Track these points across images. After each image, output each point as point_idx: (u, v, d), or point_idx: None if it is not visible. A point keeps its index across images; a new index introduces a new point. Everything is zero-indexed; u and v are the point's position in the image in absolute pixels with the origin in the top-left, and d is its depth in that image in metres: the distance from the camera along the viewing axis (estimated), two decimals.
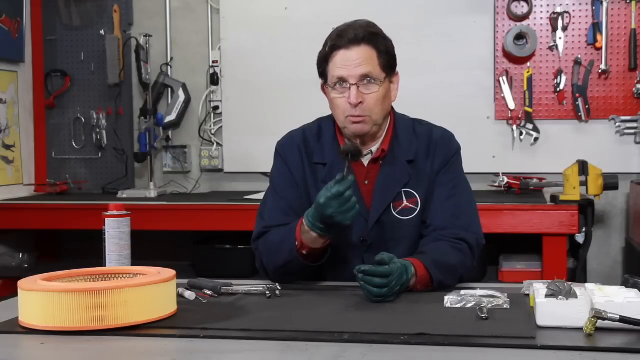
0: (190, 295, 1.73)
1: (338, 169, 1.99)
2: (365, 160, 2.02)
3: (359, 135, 1.98)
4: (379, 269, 1.67)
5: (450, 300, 1.61)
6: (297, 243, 1.88)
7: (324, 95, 2.03)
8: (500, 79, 3.64)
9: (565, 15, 3.59)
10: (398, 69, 2.02)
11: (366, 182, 2.01)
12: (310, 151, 2.06)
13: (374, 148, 2.02)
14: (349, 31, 1.93)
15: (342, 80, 1.92)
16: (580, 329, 1.38)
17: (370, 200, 1.99)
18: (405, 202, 1.98)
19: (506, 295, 1.62)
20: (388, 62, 1.96)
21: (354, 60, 1.91)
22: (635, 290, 1.50)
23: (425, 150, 2.02)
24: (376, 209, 1.98)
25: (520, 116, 3.64)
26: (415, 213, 1.99)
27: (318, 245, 1.88)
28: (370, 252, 1.94)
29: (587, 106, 3.57)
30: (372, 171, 2.01)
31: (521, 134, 3.64)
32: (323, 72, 1.99)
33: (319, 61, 1.99)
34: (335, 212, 1.78)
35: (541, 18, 3.63)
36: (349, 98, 1.91)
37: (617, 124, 3.57)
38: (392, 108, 2.07)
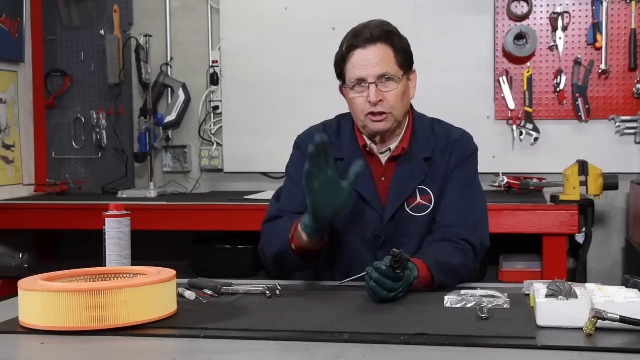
0: (190, 295, 1.73)
1: None
2: (383, 158, 2.03)
3: (379, 133, 1.98)
4: (393, 273, 1.64)
5: (450, 300, 1.61)
6: (290, 235, 1.86)
7: (342, 97, 2.04)
8: (500, 79, 3.64)
9: (565, 15, 3.59)
10: None
11: (383, 179, 2.02)
12: None
13: (393, 146, 2.02)
14: (364, 31, 1.94)
15: (360, 80, 1.93)
16: (580, 329, 1.38)
17: (385, 197, 2.00)
18: (418, 199, 1.99)
19: (506, 295, 1.61)
20: (405, 59, 1.97)
21: (372, 60, 1.92)
22: (635, 290, 1.50)
23: (443, 149, 2.03)
24: (391, 206, 1.98)
25: (520, 116, 3.63)
26: (428, 210, 1.99)
27: (308, 246, 1.85)
28: (384, 249, 1.94)
29: (587, 106, 3.57)
30: (389, 168, 2.02)
31: (521, 134, 3.64)
32: (341, 73, 2.00)
33: (336, 62, 2.00)
34: (321, 199, 1.70)
35: (541, 18, 3.62)
36: (369, 97, 1.92)
37: (617, 124, 3.56)
38: (412, 106, 2.08)
